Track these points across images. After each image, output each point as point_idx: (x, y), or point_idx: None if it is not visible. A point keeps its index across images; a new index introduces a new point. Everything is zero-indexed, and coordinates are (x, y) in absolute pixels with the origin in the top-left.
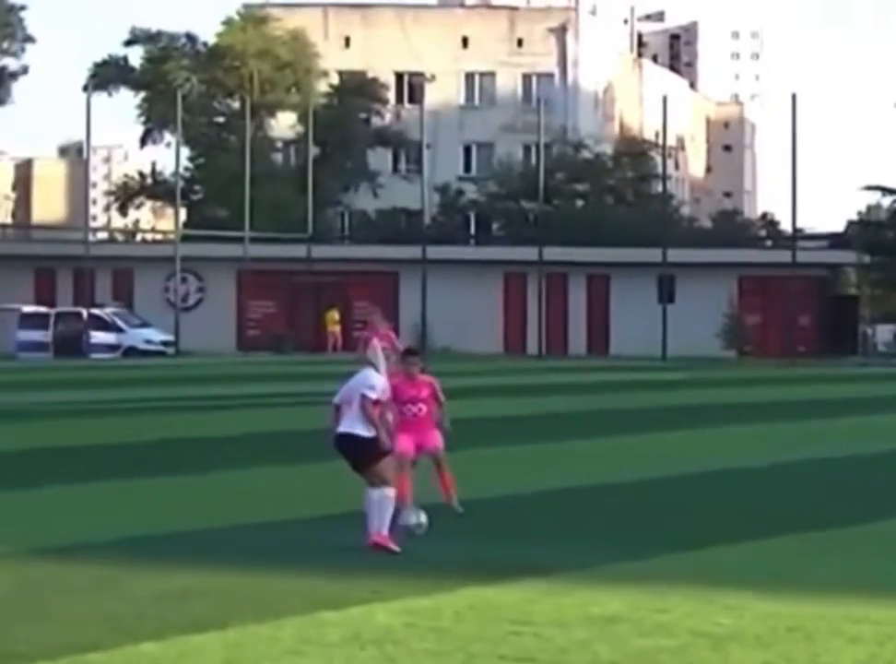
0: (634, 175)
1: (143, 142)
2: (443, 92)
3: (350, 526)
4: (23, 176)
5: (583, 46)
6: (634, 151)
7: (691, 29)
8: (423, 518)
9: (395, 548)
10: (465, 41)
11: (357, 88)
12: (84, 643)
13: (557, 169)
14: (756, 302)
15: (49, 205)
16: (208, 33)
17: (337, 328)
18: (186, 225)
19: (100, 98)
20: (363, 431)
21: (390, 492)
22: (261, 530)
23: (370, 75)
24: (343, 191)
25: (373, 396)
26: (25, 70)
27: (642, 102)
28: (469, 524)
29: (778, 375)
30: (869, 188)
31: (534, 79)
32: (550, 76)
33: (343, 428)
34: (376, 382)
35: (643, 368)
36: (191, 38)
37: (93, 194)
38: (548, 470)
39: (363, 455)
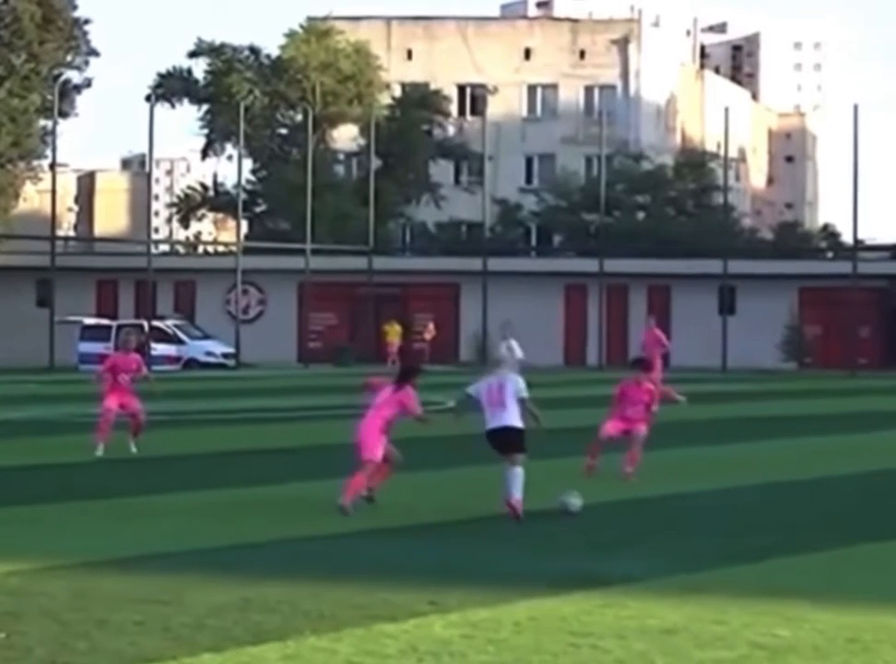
0: (695, 187)
1: (205, 154)
2: (506, 104)
3: (406, 538)
4: (86, 188)
5: (646, 58)
6: (695, 163)
7: (753, 41)
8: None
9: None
10: (527, 53)
11: (419, 100)
12: (143, 654)
13: (618, 180)
14: (817, 314)
15: (111, 217)
16: (272, 46)
17: (396, 341)
18: (248, 237)
19: (162, 110)
20: (519, 423)
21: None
22: (319, 542)
23: (432, 87)
24: (405, 203)
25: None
26: (88, 83)
27: (704, 114)
28: (528, 535)
29: (839, 387)
30: None
31: (596, 91)
32: (612, 87)
33: (502, 422)
34: (523, 384)
35: (704, 379)
36: (254, 50)
37: (155, 206)
38: (607, 482)
39: (518, 443)
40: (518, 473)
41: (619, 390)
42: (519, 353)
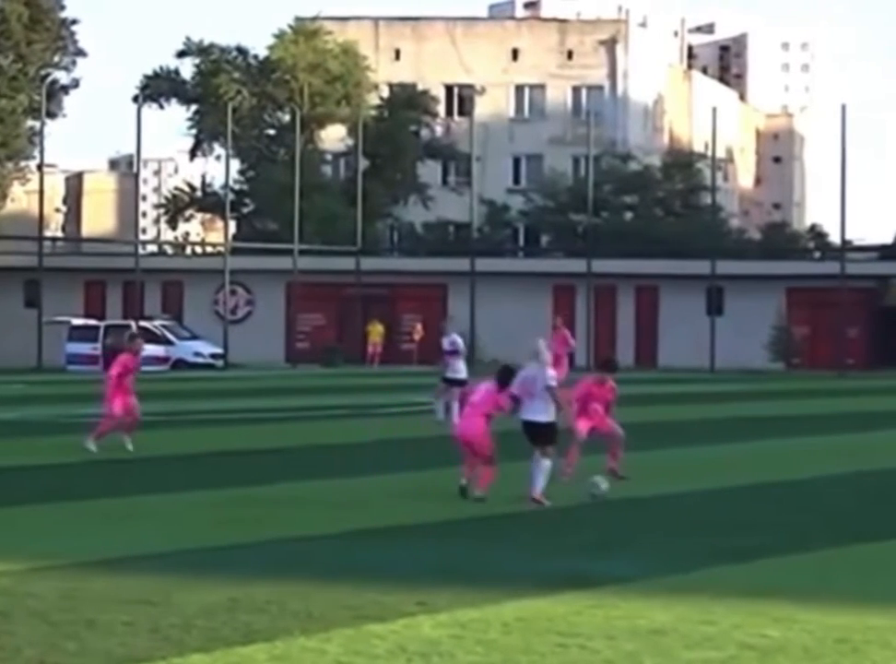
0: (683, 187)
1: (192, 155)
2: (493, 105)
3: (397, 538)
4: (74, 189)
5: (633, 58)
6: (683, 163)
7: (741, 41)
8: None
9: (547, 503)
10: (514, 54)
11: (407, 100)
12: (132, 655)
13: (606, 181)
14: (805, 315)
15: (99, 218)
16: (260, 46)
17: (379, 341)
18: (236, 238)
19: (150, 110)
20: (546, 417)
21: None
22: (309, 543)
23: (420, 87)
24: (392, 203)
25: (555, 383)
26: (76, 83)
27: (692, 114)
28: (519, 536)
29: (827, 388)
30: None
31: (583, 92)
32: (600, 88)
33: (529, 415)
34: (552, 373)
35: (692, 380)
36: (242, 51)
37: (143, 207)
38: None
39: (547, 435)
40: (544, 466)
41: (583, 389)
42: (462, 348)
